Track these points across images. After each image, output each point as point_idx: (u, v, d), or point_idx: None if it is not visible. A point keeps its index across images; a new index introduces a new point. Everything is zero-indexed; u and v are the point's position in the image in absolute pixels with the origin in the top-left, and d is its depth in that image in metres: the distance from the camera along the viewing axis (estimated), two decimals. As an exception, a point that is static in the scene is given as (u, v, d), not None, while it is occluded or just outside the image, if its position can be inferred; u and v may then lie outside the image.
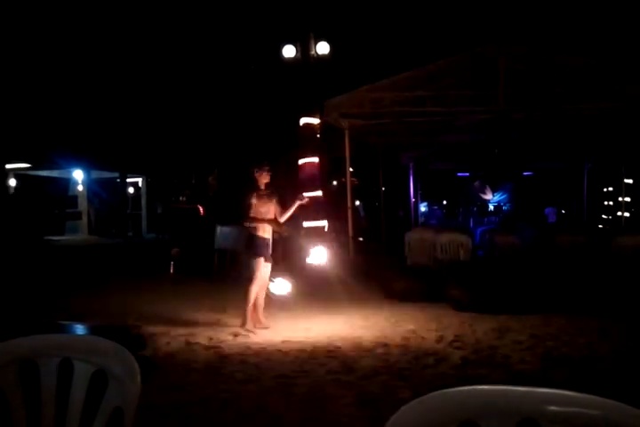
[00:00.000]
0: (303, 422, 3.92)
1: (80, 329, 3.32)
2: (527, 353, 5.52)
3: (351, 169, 12.41)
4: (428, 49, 16.33)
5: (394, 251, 11.34)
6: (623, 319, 6.82)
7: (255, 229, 6.47)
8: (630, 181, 17.22)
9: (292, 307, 7.62)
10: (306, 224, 10.49)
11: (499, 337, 6.15)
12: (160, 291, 9.23)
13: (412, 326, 6.68)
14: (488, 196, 20.80)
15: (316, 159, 10.81)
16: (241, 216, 6.57)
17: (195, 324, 6.84)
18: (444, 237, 9.97)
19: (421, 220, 19.21)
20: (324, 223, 10.69)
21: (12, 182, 21.39)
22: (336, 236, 11.79)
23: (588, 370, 4.99)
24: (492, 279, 8.08)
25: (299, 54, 10.66)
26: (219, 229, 10.46)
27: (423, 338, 6.16)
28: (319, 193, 10.62)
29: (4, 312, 6.72)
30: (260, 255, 6.44)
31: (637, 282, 7.71)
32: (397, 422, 1.16)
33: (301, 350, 5.68)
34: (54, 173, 22.96)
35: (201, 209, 17.25)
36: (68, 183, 23.52)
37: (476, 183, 20.71)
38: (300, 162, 10.80)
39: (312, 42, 10.71)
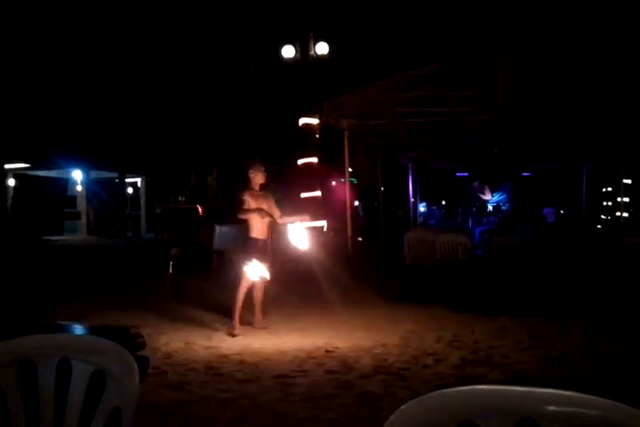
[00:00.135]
0: (302, 422, 3.92)
1: (79, 329, 3.31)
2: (526, 353, 5.52)
3: (350, 169, 12.41)
4: (428, 49, 16.34)
5: (393, 251, 11.34)
6: (622, 319, 6.82)
7: (247, 229, 6.47)
8: (629, 181, 17.24)
9: (290, 307, 7.62)
10: (305, 224, 10.48)
11: (498, 337, 6.15)
12: (159, 291, 9.23)
13: (410, 326, 6.68)
14: (487, 196, 20.82)
15: (315, 159, 10.81)
16: (234, 213, 6.57)
17: (194, 324, 6.83)
18: (443, 238, 9.97)
19: (420, 220, 19.20)
20: (323, 223, 10.69)
21: (11, 182, 21.39)
22: (335, 235, 11.79)
23: (588, 370, 5.00)
24: (491, 280, 8.08)
25: (298, 54, 10.67)
26: (218, 229, 10.46)
27: (422, 338, 6.16)
28: (318, 193, 10.62)
29: (3, 312, 6.71)
30: (248, 255, 6.42)
31: (634, 282, 7.72)
32: (397, 421, 1.16)
33: (300, 350, 5.68)
34: (53, 173, 22.97)
35: (200, 209, 17.24)
36: (66, 183, 23.52)
37: (476, 183, 20.73)
38: (300, 162, 10.81)
39: (311, 42, 10.72)
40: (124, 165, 22.92)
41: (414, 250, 10.13)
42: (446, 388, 1.19)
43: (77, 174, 22.57)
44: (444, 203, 24.99)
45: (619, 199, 17.47)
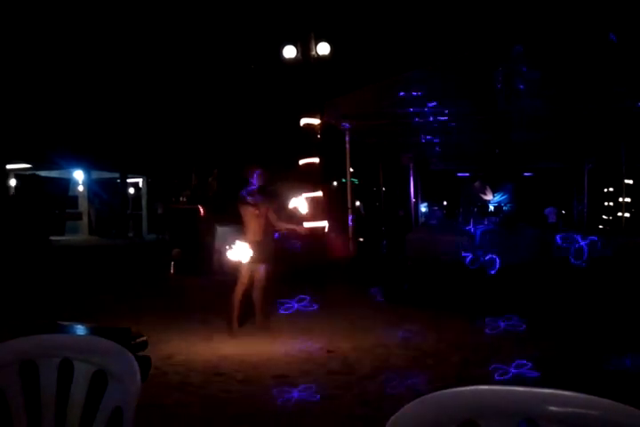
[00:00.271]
0: (303, 422, 3.92)
1: (80, 329, 3.31)
2: (526, 353, 5.51)
3: (351, 169, 12.42)
4: (429, 49, 16.33)
5: (394, 251, 11.34)
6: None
7: (244, 229, 6.48)
8: (631, 181, 17.21)
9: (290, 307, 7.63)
10: (306, 224, 10.48)
11: (499, 338, 6.15)
12: (160, 291, 9.24)
13: (411, 327, 6.67)
14: (488, 196, 20.78)
15: (316, 159, 10.81)
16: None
17: (195, 324, 6.83)
18: (445, 238, 9.97)
19: (422, 220, 19.19)
20: (324, 224, 10.68)
21: (13, 183, 21.40)
22: (336, 236, 11.78)
23: (588, 370, 4.99)
24: (492, 280, 8.08)
25: (299, 55, 10.66)
26: (219, 229, 10.47)
27: (423, 338, 6.16)
28: (319, 193, 10.61)
29: (5, 312, 6.72)
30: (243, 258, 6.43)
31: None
32: (398, 422, 1.16)
33: (301, 350, 5.68)
34: (55, 174, 22.98)
35: (201, 210, 17.24)
36: (68, 184, 23.52)
37: (477, 184, 20.68)
38: (301, 162, 10.80)
39: (312, 42, 10.71)
40: (125, 166, 22.92)
41: (416, 251, 10.13)
42: (447, 388, 1.19)
43: (79, 175, 22.57)
44: (445, 203, 24.97)
45: (620, 200, 17.44)
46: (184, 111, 21.05)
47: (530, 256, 9.51)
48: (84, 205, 22.72)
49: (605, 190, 20.73)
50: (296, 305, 7.59)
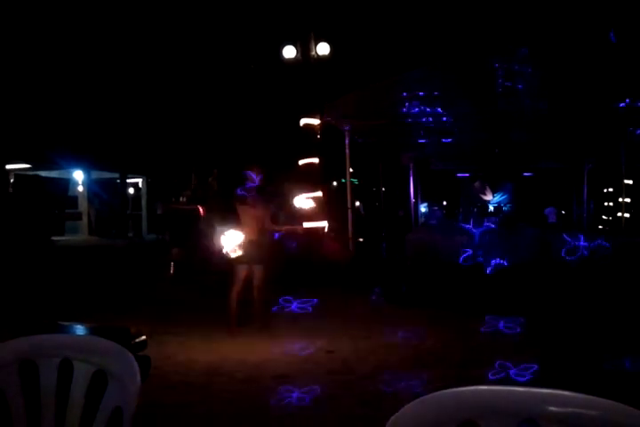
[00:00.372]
0: (303, 422, 3.92)
1: (80, 329, 3.32)
2: (526, 353, 5.51)
3: (351, 169, 12.41)
4: (429, 49, 16.33)
5: (394, 252, 11.34)
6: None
7: (241, 229, 6.49)
8: (630, 181, 17.20)
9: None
10: (306, 224, 10.49)
11: (498, 338, 6.15)
12: (160, 291, 9.23)
13: (412, 327, 6.67)
14: (488, 196, 20.79)
15: (316, 160, 10.81)
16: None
17: (194, 324, 6.84)
18: (445, 239, 9.97)
19: (421, 220, 19.20)
20: (324, 224, 10.68)
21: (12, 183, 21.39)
22: (336, 236, 11.78)
23: (588, 370, 4.99)
24: (491, 280, 8.08)
25: (299, 55, 10.66)
26: (218, 229, 10.45)
27: (423, 338, 6.16)
28: (319, 193, 10.61)
29: (5, 312, 6.72)
30: (235, 258, 6.43)
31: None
32: (398, 421, 1.16)
33: (301, 350, 5.68)
34: (54, 174, 22.97)
35: (201, 210, 17.23)
36: (68, 184, 23.51)
37: (477, 184, 20.69)
38: (301, 162, 10.80)
39: (312, 42, 10.71)
40: (125, 166, 22.92)
41: (416, 250, 10.12)
42: (447, 388, 1.19)
43: (78, 175, 22.57)
44: (445, 203, 24.97)
45: (620, 200, 17.44)
46: (184, 111, 21.05)
47: (530, 256, 9.50)
48: (83, 206, 22.71)
49: (605, 190, 20.73)
50: (296, 305, 7.60)
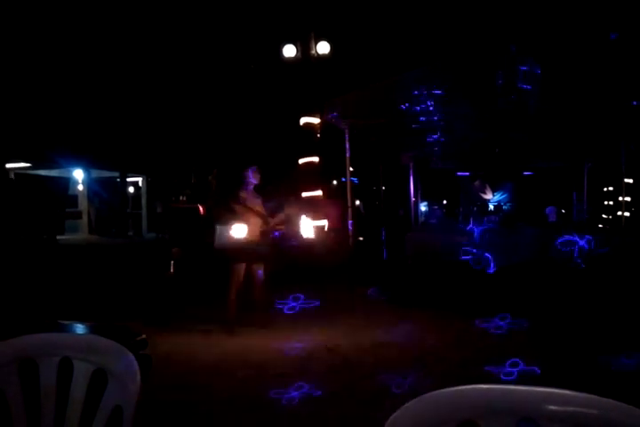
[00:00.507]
0: (303, 421, 3.92)
1: (80, 328, 3.31)
2: (525, 352, 5.51)
3: (351, 168, 12.40)
4: (429, 48, 16.33)
5: (394, 251, 11.34)
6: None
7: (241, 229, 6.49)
8: (630, 180, 17.20)
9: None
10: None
11: (498, 337, 6.15)
12: (160, 290, 9.22)
13: (412, 326, 6.68)
14: (488, 195, 20.79)
15: (315, 159, 10.80)
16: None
17: (195, 323, 6.84)
18: (445, 238, 9.96)
19: (421, 219, 19.20)
20: (324, 223, 10.68)
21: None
22: (335, 235, 11.78)
23: (588, 369, 4.99)
24: (492, 280, 8.07)
25: (299, 54, 10.65)
26: (219, 228, 10.44)
27: (423, 337, 6.17)
28: (319, 192, 10.61)
29: (5, 311, 6.71)
30: (233, 257, 6.44)
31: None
32: (397, 421, 1.16)
33: (302, 349, 5.68)
34: (54, 173, 22.98)
35: (201, 208, 17.24)
36: (68, 182, 23.52)
37: (477, 183, 20.68)
38: (300, 161, 10.79)
39: (312, 41, 10.70)
40: (125, 165, 22.92)
41: (416, 250, 10.11)
42: (447, 387, 1.19)
43: (78, 174, 22.57)
44: (445, 202, 24.98)
45: (620, 198, 17.44)
46: (184, 111, 21.04)
47: (530, 255, 9.50)
48: (83, 204, 22.72)
49: (605, 189, 20.73)
50: (296, 304, 7.60)
